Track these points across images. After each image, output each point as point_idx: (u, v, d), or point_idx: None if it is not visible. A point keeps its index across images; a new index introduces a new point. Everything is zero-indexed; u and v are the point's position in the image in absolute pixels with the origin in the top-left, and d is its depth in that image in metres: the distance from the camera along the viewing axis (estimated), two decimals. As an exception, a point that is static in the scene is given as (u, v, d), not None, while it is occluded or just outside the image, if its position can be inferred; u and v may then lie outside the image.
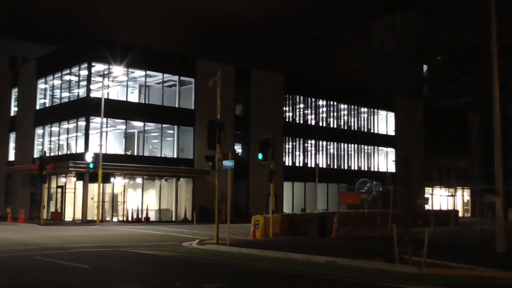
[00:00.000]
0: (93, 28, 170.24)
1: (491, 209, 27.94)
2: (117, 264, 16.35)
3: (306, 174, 51.44)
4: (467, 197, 67.07)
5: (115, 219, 40.67)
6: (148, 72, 43.42)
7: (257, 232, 25.63)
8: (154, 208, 42.65)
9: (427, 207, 37.21)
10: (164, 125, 44.49)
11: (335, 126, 56.89)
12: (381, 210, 32.49)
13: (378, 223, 30.59)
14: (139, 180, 42.84)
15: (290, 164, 52.53)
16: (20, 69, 52.17)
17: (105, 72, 40.14)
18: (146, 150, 45.07)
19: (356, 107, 59.12)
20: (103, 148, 38.20)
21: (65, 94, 45.09)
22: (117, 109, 41.42)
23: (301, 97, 54.12)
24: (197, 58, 46.68)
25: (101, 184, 37.59)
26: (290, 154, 52.90)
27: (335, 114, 57.17)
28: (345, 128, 57.95)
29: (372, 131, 60.49)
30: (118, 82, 43.92)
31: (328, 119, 56.56)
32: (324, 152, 55.95)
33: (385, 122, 62.02)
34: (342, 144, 57.48)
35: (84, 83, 41.77)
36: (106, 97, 39.35)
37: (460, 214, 54.04)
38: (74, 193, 41.05)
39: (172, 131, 45.29)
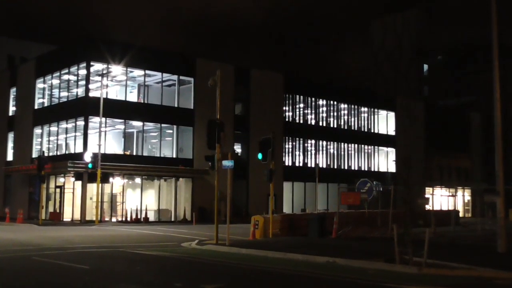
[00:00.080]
0: (92, 27, 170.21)
1: (492, 209, 27.87)
2: (116, 264, 16.27)
3: (306, 174, 51.34)
4: (467, 197, 66.99)
5: (114, 219, 40.56)
6: (147, 72, 43.31)
7: (257, 232, 25.55)
8: (153, 208, 42.54)
9: (428, 207, 37.14)
10: (163, 125, 44.38)
11: (335, 126, 56.79)
12: (381, 210, 32.40)
13: (379, 223, 30.48)
14: (138, 180, 42.73)
15: (290, 164, 52.43)
16: (19, 69, 52.07)
17: (104, 72, 40.04)
18: (145, 150, 44.96)
19: (356, 106, 59.03)
20: (102, 148, 38.09)
21: (64, 94, 44.99)
22: (116, 109, 41.31)
23: (301, 97, 54.01)
24: (197, 58, 46.58)
25: (100, 184, 37.49)
26: (290, 154, 52.80)
27: (335, 113, 57.07)
28: (345, 128, 57.85)
29: (372, 131, 60.40)
30: (117, 81, 43.81)
31: (328, 119, 56.46)
32: (324, 152, 55.86)
33: (385, 122, 61.93)
34: (342, 144, 57.38)
35: (83, 82, 41.66)
36: (105, 96, 39.23)
37: (461, 214, 53.99)
38: (73, 193, 40.94)
39: (171, 131, 45.18)
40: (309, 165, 53.69)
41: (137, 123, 43.41)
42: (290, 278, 14.29)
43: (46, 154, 41.47)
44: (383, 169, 60.32)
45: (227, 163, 22.19)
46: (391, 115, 62.28)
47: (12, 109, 51.55)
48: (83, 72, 41.60)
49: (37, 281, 13.10)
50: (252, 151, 44.68)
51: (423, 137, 64.18)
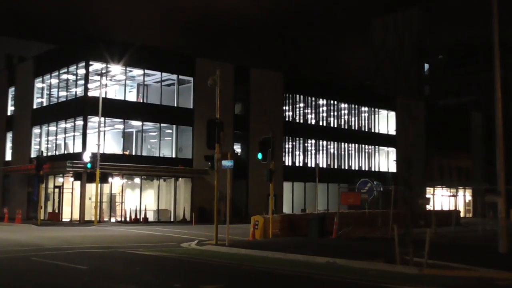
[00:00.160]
0: (91, 27, 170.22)
1: (493, 210, 27.77)
2: (115, 265, 16.22)
3: (306, 174, 51.22)
4: (468, 197, 66.87)
5: (113, 219, 40.44)
6: (147, 71, 43.18)
7: (257, 232, 25.47)
8: (153, 209, 42.43)
9: (429, 207, 37.02)
10: (162, 125, 44.26)
11: (335, 126, 56.66)
12: (382, 210, 32.31)
13: (379, 224, 30.35)
14: (137, 180, 42.61)
15: (290, 164, 52.31)
16: (17, 68, 51.96)
17: (103, 71, 39.93)
18: (145, 150, 44.83)
19: (356, 106, 58.90)
20: (101, 148, 37.97)
21: (63, 93, 44.88)
22: (115, 108, 41.20)
23: (301, 96, 53.89)
24: (196, 57, 46.45)
25: (99, 184, 37.37)
26: (290, 154, 52.67)
27: (335, 113, 56.94)
28: (346, 127, 57.71)
29: (372, 130, 60.29)
30: (116, 81, 43.69)
31: (329, 119, 56.34)
32: (325, 151, 55.74)
33: (386, 122, 61.82)
34: (343, 143, 57.26)
35: (82, 82, 41.54)
36: (104, 96, 39.13)
37: (462, 215, 53.88)
38: (72, 193, 40.81)
39: (170, 131, 45.06)
40: (309, 165, 53.57)
41: (136, 123, 43.29)
42: (290, 279, 14.24)
43: (44, 154, 41.31)
44: (383, 169, 60.22)
45: (227, 163, 22.10)
46: (392, 114, 62.17)
47: (10, 108, 51.44)
48: (82, 71, 41.48)
49: (36, 281, 13.06)
50: (252, 151, 44.56)
51: (423, 137, 64.08)
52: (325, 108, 56.08)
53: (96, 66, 40.92)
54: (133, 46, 41.74)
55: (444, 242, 23.11)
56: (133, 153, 43.47)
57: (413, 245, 15.39)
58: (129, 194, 42.91)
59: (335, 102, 56.88)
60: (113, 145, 43.81)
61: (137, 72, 43.22)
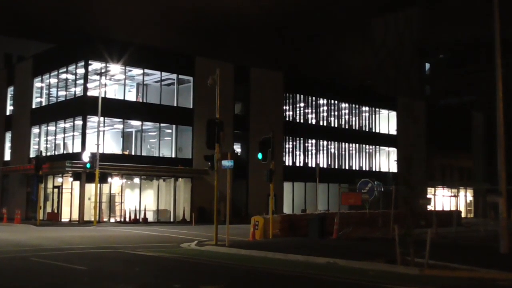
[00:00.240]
0: (90, 26, 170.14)
1: (494, 210, 27.66)
2: (114, 265, 16.15)
3: (306, 174, 51.11)
4: (470, 198, 66.78)
5: (112, 219, 40.34)
6: (146, 71, 43.08)
7: (257, 233, 25.38)
8: (152, 209, 42.33)
9: (430, 207, 36.90)
10: (162, 124, 44.15)
11: (336, 126, 56.57)
12: (382, 210, 32.23)
13: (380, 224, 30.27)
14: (136, 180, 42.51)
15: (290, 164, 52.20)
16: (16, 67, 51.87)
17: (102, 71, 39.83)
18: (144, 150, 44.72)
19: (357, 106, 58.81)
20: (100, 148, 37.88)
21: (62, 93, 44.79)
22: (115, 108, 41.09)
23: (302, 96, 53.79)
24: (196, 56, 46.34)
25: (98, 184, 37.26)
26: (290, 154, 52.57)
27: (336, 113, 56.84)
28: (346, 127, 57.61)
29: (373, 130, 60.19)
30: (115, 80, 43.59)
31: (329, 118, 56.24)
32: (325, 151, 55.64)
33: (386, 121, 61.72)
34: (343, 143, 57.15)
35: (81, 81, 41.44)
36: (103, 95, 39.02)
37: (463, 215, 53.76)
38: (71, 193, 40.71)
39: (170, 131, 44.96)
40: (309, 165, 53.47)
41: (136, 123, 43.19)
42: (290, 279, 14.19)
43: (44, 154, 41.20)
44: (384, 169, 60.13)
45: (227, 163, 22.01)
46: (393, 114, 62.07)
47: (9, 108, 51.38)
48: (81, 71, 41.38)
49: (34, 282, 13.01)
50: (252, 151, 44.45)
51: (424, 137, 63.99)
52: (325, 108, 55.99)
53: (95, 65, 40.82)
54: (132, 46, 41.64)
55: (445, 242, 23.09)
56: (133, 153, 43.38)
57: (414, 245, 15.31)
58: (128, 194, 42.81)
59: (336, 102, 56.78)
60: (112, 145, 43.70)
61: (136, 71, 43.12)
